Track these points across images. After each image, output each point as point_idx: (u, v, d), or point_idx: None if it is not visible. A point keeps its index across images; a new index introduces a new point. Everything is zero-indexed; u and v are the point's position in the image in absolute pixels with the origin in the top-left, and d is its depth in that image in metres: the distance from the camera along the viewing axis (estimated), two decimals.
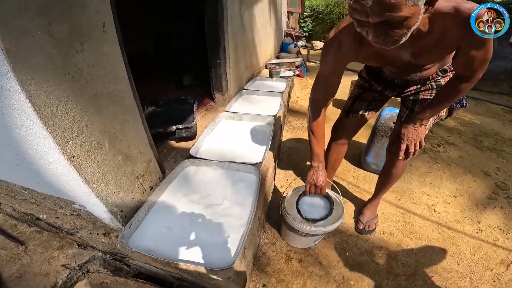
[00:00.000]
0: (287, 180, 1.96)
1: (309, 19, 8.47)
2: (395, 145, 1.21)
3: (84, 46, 0.60)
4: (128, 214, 0.91)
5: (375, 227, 1.56)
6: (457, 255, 1.47)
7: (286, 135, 2.53)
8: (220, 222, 0.91)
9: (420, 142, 1.06)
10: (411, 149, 1.06)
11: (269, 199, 1.67)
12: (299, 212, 1.14)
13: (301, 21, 8.09)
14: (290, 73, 2.94)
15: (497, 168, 2.30)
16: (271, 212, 1.60)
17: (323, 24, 8.59)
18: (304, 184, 1.42)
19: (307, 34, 8.34)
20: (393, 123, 1.83)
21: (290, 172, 2.04)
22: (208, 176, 1.11)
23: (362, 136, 2.59)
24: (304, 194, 1.24)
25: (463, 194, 1.94)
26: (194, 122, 1.32)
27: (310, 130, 1.12)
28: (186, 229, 0.90)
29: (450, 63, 1.02)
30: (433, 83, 1.08)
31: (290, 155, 2.24)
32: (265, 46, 3.13)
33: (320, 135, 1.11)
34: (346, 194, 1.85)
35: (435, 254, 1.47)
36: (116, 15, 0.70)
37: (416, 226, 1.64)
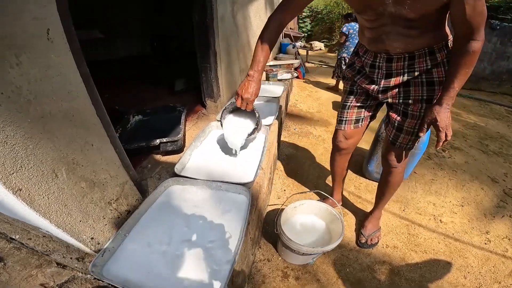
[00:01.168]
0: (284, 190, 1.86)
1: (308, 19, 8.41)
2: (389, 152, 1.16)
3: (20, 59, 0.50)
4: (102, 240, 0.82)
5: (378, 241, 1.47)
6: (464, 268, 1.38)
7: (284, 141, 2.44)
8: (205, 251, 0.81)
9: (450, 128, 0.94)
10: (449, 137, 0.93)
11: (265, 213, 1.58)
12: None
13: (299, 21, 8.02)
14: (288, 76, 2.85)
15: (504, 173, 2.20)
16: (268, 226, 1.51)
17: (322, 25, 8.54)
18: (301, 200, 1.37)
19: (305, 34, 8.29)
20: None
21: (288, 182, 1.94)
22: (194, 197, 1.01)
23: (364, 142, 2.50)
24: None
25: (471, 202, 1.85)
26: (180, 135, 1.22)
27: (260, 36, 1.00)
28: (167, 257, 0.81)
29: (438, 44, 0.90)
30: (423, 78, 0.96)
31: (288, 163, 2.14)
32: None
33: (267, 42, 0.99)
34: (347, 204, 1.75)
35: (441, 267, 1.38)
36: (69, 18, 0.59)
37: (421, 238, 1.54)
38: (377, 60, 1.01)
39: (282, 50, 4.48)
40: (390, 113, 1.10)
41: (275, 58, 4.02)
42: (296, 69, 4.04)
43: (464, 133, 2.86)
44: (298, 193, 1.35)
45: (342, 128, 1.26)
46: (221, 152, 1.33)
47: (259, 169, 1.13)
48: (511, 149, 2.62)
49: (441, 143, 0.94)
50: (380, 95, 1.08)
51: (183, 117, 1.41)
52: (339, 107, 1.29)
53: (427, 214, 1.72)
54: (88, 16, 3.57)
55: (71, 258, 0.88)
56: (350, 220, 1.64)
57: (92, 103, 0.69)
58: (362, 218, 1.61)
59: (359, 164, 2.14)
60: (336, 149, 1.37)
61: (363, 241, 1.43)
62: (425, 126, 0.97)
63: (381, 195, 1.38)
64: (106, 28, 3.55)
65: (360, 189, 1.92)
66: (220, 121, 1.24)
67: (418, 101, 0.99)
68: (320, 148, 2.38)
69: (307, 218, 1.42)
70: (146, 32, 3.99)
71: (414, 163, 1.80)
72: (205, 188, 1.04)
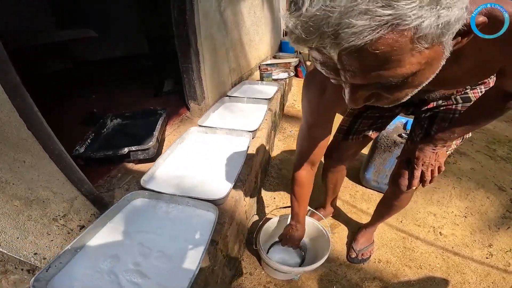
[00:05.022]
0: (274, 198, 1.77)
1: None
2: (402, 176, 0.97)
3: None
4: (49, 256, 0.77)
5: (370, 255, 1.36)
6: (461, 284, 1.28)
7: (278, 145, 2.33)
8: (157, 277, 0.72)
9: (439, 167, 0.84)
10: (427, 176, 0.85)
11: (250, 223, 1.49)
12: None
13: None
14: (284, 75, 2.73)
15: None
16: (252, 237, 1.42)
17: None
18: (285, 214, 1.27)
19: None
20: (398, 136, 1.62)
21: (280, 189, 1.85)
22: (159, 213, 0.92)
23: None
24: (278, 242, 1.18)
25: (474, 213, 1.72)
26: (150, 143, 1.13)
27: (292, 191, 0.97)
28: (119, 275, 0.73)
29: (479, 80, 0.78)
30: (458, 96, 0.83)
31: (280, 169, 2.04)
32: (258, 45, 2.92)
33: (303, 198, 0.97)
34: (340, 215, 1.64)
35: (436, 285, 1.28)
36: None
37: (417, 253, 1.43)
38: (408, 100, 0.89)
39: (283, 48, 4.37)
40: (415, 128, 0.95)
41: (274, 57, 3.90)
42: (296, 67, 3.92)
43: (471, 137, 2.70)
44: (280, 207, 1.25)
45: (348, 139, 1.09)
46: (197, 162, 1.23)
47: (235, 182, 1.03)
48: None
49: (414, 181, 0.86)
50: (404, 110, 0.98)
51: (159, 122, 1.32)
52: (346, 115, 1.11)
53: (426, 225, 1.60)
54: (82, 15, 3.55)
55: (22, 269, 0.84)
56: (342, 232, 1.54)
57: (21, 116, 0.60)
58: (355, 230, 1.50)
59: (356, 171, 2.03)
60: (331, 165, 1.25)
61: (353, 256, 1.34)
62: (400, 154, 0.90)
63: (380, 215, 1.26)
64: (101, 28, 3.51)
65: (356, 198, 1.81)
66: (259, 247, 1.09)
67: (446, 118, 0.86)
68: None
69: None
70: (142, 31, 3.93)
71: None
72: (172, 204, 0.95)
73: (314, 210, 1.24)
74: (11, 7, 2.82)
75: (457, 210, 1.73)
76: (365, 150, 2.26)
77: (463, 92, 0.83)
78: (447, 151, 0.86)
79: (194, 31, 1.36)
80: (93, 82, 2.79)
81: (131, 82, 2.69)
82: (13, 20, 2.84)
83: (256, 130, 1.41)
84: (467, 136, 0.87)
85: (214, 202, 0.94)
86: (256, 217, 1.57)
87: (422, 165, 0.83)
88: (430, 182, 0.86)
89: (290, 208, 1.05)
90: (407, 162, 0.95)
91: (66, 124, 1.70)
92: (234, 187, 1.05)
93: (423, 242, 1.48)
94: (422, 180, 0.86)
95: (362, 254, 1.33)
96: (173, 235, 0.84)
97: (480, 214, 1.71)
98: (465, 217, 1.68)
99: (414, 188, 0.93)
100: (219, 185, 1.09)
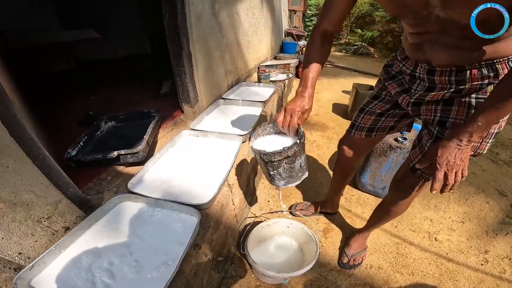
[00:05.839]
0: (268, 201, 1.76)
1: (315, 18, 8.18)
2: (404, 180, 0.94)
3: None
4: (33, 255, 0.79)
5: (362, 261, 1.34)
6: None
7: None
8: (135, 281, 0.73)
9: (462, 170, 0.71)
10: (450, 180, 0.71)
11: (242, 226, 1.49)
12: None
13: (306, 19, 7.80)
14: (283, 77, 2.72)
15: None
16: (244, 239, 1.42)
17: None
18: (275, 218, 1.24)
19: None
20: (394, 139, 1.59)
21: (274, 192, 1.83)
22: (144, 215, 0.93)
23: None
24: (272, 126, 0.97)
25: (472, 218, 1.68)
26: (139, 147, 1.13)
27: (305, 56, 0.92)
28: (95, 273, 0.75)
29: (503, 58, 0.66)
30: (472, 98, 0.73)
31: None
32: (257, 47, 2.92)
33: (313, 58, 0.89)
34: (334, 219, 1.63)
35: None
36: None
37: (410, 259, 1.40)
38: (417, 70, 0.82)
39: (284, 49, 4.34)
40: (423, 133, 0.88)
41: (275, 58, 3.89)
42: (297, 67, 3.90)
43: None
44: (273, 212, 1.25)
45: (351, 133, 1.12)
46: (186, 165, 1.23)
47: (221, 187, 1.03)
48: None
49: (436, 185, 0.72)
50: (410, 108, 0.87)
51: (151, 125, 1.33)
52: (357, 110, 1.13)
53: (421, 231, 1.57)
54: (84, 16, 3.59)
55: (9, 268, 0.87)
56: (335, 236, 1.52)
57: (3, 123, 0.62)
58: (348, 234, 1.48)
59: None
60: (341, 158, 1.24)
61: (345, 261, 1.32)
62: (424, 160, 0.78)
63: (376, 220, 1.24)
64: (104, 28, 3.54)
65: (351, 202, 1.79)
66: (251, 147, 0.91)
67: (456, 124, 0.76)
68: (313, 154, 2.26)
69: (280, 238, 1.31)
70: (144, 32, 3.95)
71: None
72: (157, 208, 0.96)
73: (302, 216, 1.22)
74: (15, 7, 2.87)
75: (455, 215, 1.69)
76: None
77: (477, 90, 0.72)
78: (473, 154, 0.78)
79: (186, 34, 1.36)
80: (94, 83, 2.83)
81: (131, 83, 2.71)
82: (17, 21, 2.89)
83: (247, 133, 1.41)
84: (496, 130, 0.76)
85: (198, 207, 0.93)
86: (249, 220, 1.57)
87: (446, 164, 0.69)
88: (452, 187, 0.72)
89: (281, 213, 1.03)
90: (412, 169, 0.91)
91: (67, 125, 1.74)
92: (221, 191, 1.05)
93: (417, 248, 1.46)
94: (444, 185, 0.73)
95: (354, 260, 1.31)
96: (155, 239, 0.85)
97: (479, 220, 1.67)
98: (462, 222, 1.65)
99: (444, 191, 0.77)
100: (205, 189, 1.08)
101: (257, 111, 1.75)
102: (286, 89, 3.03)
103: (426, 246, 1.47)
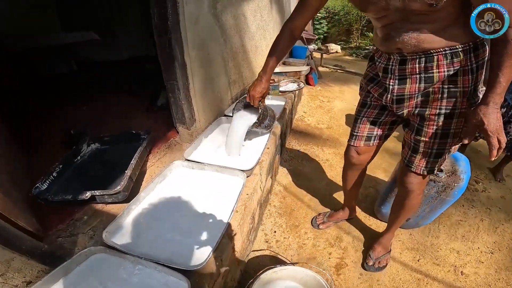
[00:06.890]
0: (275, 232, 1.50)
1: (324, 20, 7.89)
2: (405, 175, 1.03)
3: None
4: None
5: (386, 264, 1.31)
6: None
7: (283, 166, 2.04)
8: None
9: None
10: (503, 142, 0.73)
11: (246, 260, 1.25)
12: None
13: (315, 22, 7.52)
14: (293, 87, 2.44)
15: None
16: (247, 274, 1.19)
17: (339, 26, 8.01)
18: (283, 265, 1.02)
19: (321, 36, 7.77)
20: None
21: (281, 221, 1.57)
22: (122, 273, 0.74)
23: (381, 170, 2.05)
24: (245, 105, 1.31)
25: (502, 248, 1.46)
26: (119, 187, 0.88)
27: (273, 45, 1.10)
28: None
29: (463, 45, 0.75)
30: (444, 87, 0.82)
31: (284, 197, 1.75)
32: (265, 52, 2.62)
33: (279, 49, 1.08)
34: (348, 253, 1.35)
35: None
36: None
37: None
38: (390, 63, 0.90)
39: (293, 53, 4.07)
40: (405, 131, 1.02)
41: (284, 63, 3.61)
42: (307, 75, 3.62)
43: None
44: (271, 267, 0.98)
45: (353, 144, 1.17)
46: (176, 209, 0.97)
47: (217, 244, 0.76)
48: None
49: (494, 152, 0.75)
50: (394, 106, 0.94)
51: (136, 155, 1.07)
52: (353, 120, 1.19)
53: (446, 264, 1.35)
54: (84, 18, 3.44)
55: None
56: (349, 273, 1.31)
57: None
58: (362, 272, 1.31)
59: (369, 199, 1.72)
60: (347, 163, 1.28)
61: (370, 263, 1.29)
62: (469, 132, 0.81)
63: (395, 218, 1.24)
64: (105, 30, 3.39)
65: (367, 232, 1.53)
66: (233, 111, 1.30)
67: (434, 115, 0.87)
68: (326, 176, 1.97)
69: (289, 285, 1.06)
70: (150, 33, 3.76)
71: (442, 210, 1.38)
72: (139, 265, 0.76)
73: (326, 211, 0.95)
74: (16, 9, 2.82)
75: (484, 246, 1.47)
76: (383, 172, 1.95)
77: (447, 76, 0.80)
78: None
79: (180, 39, 1.10)
80: (90, 88, 2.67)
81: (128, 89, 2.50)
82: (18, 23, 2.85)
83: (252, 168, 1.13)
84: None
85: (188, 271, 0.71)
86: (253, 254, 1.33)
87: (493, 130, 0.72)
88: (500, 150, 0.74)
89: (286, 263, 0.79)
90: (407, 165, 1.00)
91: (48, 142, 1.52)
92: (216, 248, 0.79)
93: (441, 283, 1.27)
94: (499, 148, 0.74)
95: (379, 262, 1.29)
96: None
97: (509, 250, 1.46)
98: (491, 253, 1.43)
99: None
100: (198, 245, 0.82)
101: (263, 135, 1.49)
102: (296, 99, 2.75)
103: (451, 281, 1.28)
